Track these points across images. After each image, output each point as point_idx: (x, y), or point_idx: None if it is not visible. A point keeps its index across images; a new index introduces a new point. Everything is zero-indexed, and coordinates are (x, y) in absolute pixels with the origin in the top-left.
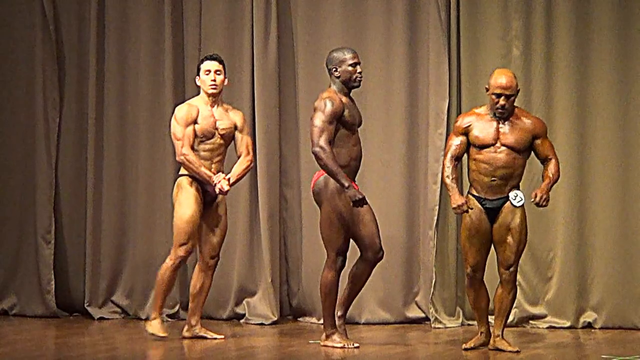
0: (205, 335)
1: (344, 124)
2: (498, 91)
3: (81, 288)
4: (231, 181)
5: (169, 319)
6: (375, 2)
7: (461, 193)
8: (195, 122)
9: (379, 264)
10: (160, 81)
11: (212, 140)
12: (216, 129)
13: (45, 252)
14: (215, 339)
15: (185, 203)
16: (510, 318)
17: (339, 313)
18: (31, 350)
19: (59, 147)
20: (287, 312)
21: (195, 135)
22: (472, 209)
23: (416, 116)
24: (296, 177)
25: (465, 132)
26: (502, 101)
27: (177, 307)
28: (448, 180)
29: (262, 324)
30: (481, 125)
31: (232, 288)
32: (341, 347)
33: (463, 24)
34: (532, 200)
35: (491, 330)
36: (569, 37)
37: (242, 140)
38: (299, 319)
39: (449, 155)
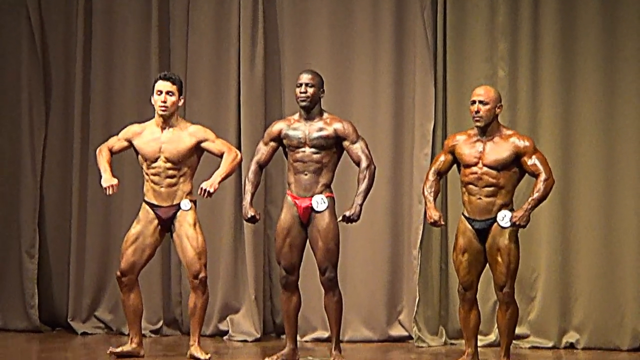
0: (195, 354)
1: (283, 145)
2: (473, 98)
3: (65, 303)
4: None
5: (152, 335)
6: (361, 23)
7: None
8: (130, 142)
9: (360, 281)
10: (146, 100)
11: (156, 164)
12: (161, 152)
13: (29, 267)
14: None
15: (132, 224)
16: (493, 338)
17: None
18: None
19: (44, 162)
20: (270, 329)
21: (145, 159)
22: (444, 224)
23: (402, 137)
24: (281, 195)
25: (452, 150)
26: (475, 107)
27: (160, 323)
28: (426, 194)
29: (245, 341)
30: (468, 145)
31: (216, 305)
32: None
33: (449, 46)
34: (511, 220)
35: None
36: (555, 59)
37: (215, 145)
38: (282, 336)
39: (432, 169)
